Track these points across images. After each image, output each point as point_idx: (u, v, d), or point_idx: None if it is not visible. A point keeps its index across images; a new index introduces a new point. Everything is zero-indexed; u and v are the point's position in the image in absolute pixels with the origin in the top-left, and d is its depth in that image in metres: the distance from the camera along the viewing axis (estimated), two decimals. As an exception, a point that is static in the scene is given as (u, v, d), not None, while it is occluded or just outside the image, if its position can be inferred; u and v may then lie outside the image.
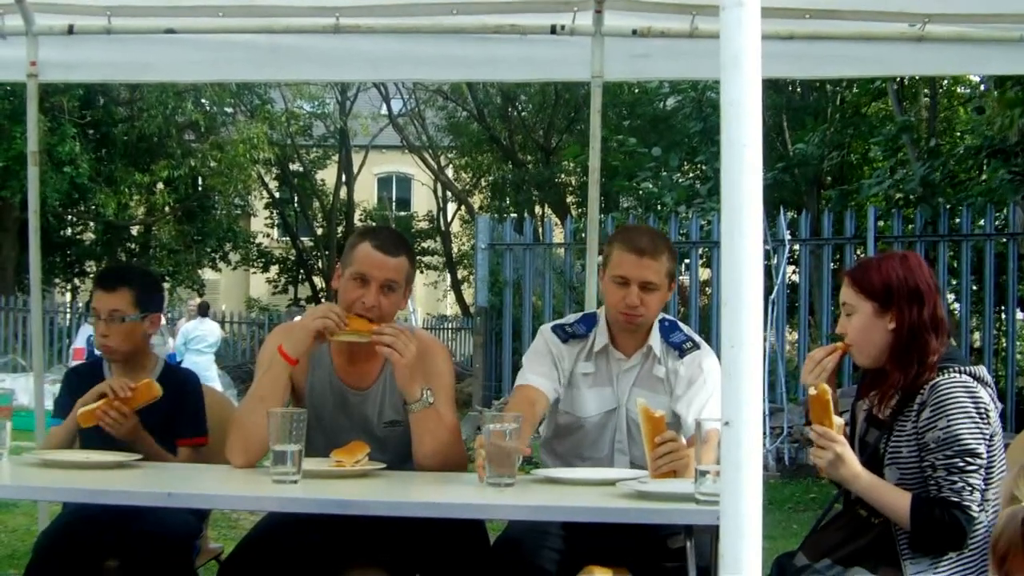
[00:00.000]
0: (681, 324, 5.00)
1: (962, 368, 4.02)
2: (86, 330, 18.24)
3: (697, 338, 4.93)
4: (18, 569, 4.96)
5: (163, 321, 5.43)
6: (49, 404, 5.42)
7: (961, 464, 3.88)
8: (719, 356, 2.50)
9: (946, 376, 3.99)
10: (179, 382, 5.22)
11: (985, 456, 3.91)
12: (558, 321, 5.08)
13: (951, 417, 3.91)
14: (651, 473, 4.24)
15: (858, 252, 15.74)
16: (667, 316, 5.01)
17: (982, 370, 4.07)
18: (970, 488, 3.88)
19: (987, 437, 3.93)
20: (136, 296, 5.12)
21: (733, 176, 2.45)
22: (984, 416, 3.93)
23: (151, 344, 5.35)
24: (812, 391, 4.00)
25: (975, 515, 3.89)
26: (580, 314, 5.12)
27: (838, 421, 4.04)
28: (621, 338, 4.87)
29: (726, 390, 2.45)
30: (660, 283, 4.72)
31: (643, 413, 4.30)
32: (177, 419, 5.08)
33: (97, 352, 5.25)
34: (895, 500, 3.96)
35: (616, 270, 4.73)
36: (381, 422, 4.73)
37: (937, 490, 3.92)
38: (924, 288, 4.09)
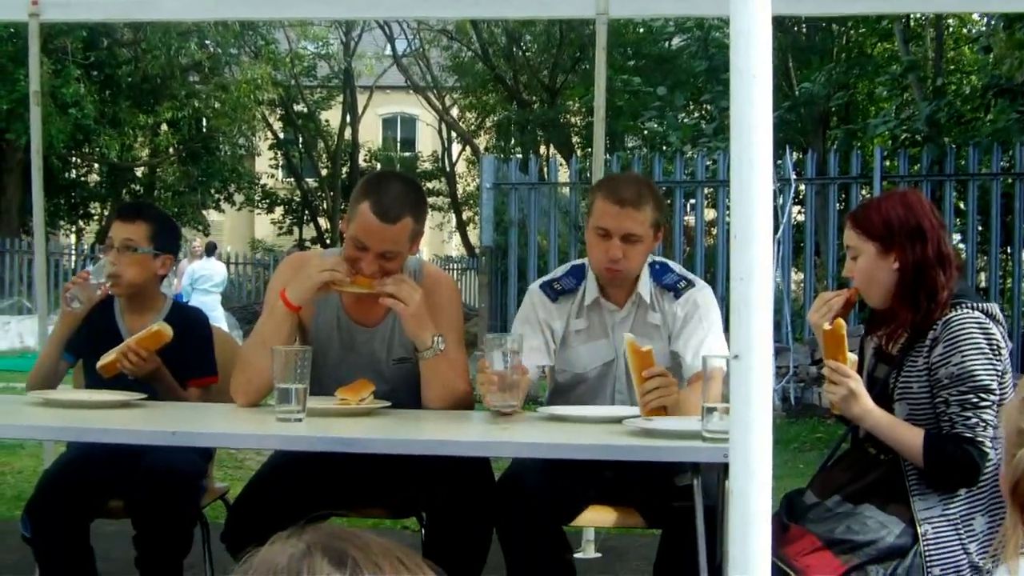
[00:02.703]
0: (671, 264, 4.86)
1: (975, 304, 3.99)
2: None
3: (690, 275, 4.82)
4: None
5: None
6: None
7: (975, 400, 3.87)
8: (728, 290, 2.47)
9: (959, 312, 3.96)
10: (188, 321, 5.17)
11: (998, 392, 3.90)
12: (546, 278, 4.95)
13: (965, 353, 3.89)
14: (641, 410, 4.20)
15: (864, 192, 15.68)
16: (657, 258, 4.86)
17: (994, 307, 4.05)
18: (983, 424, 3.87)
19: (999, 373, 3.92)
20: (152, 231, 5.08)
21: (743, 107, 2.41)
22: (997, 352, 3.92)
23: (161, 285, 5.33)
24: (827, 326, 3.98)
25: (988, 451, 3.88)
26: (568, 266, 4.96)
27: (852, 357, 4.02)
28: (611, 288, 4.76)
29: (736, 323, 2.42)
30: (644, 235, 4.57)
31: (630, 347, 4.24)
32: (187, 359, 5.02)
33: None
34: (908, 437, 3.95)
35: (598, 221, 4.59)
36: (390, 359, 4.68)
37: (950, 426, 3.90)
38: (927, 225, 4.05)
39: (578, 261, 4.95)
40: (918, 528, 3.88)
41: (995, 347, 3.92)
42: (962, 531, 3.89)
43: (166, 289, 5.40)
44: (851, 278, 4.20)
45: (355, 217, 4.45)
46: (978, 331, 3.92)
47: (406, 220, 4.44)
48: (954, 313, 3.96)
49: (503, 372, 4.16)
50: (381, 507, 4.82)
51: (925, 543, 3.85)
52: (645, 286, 4.73)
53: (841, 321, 3.98)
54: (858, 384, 3.96)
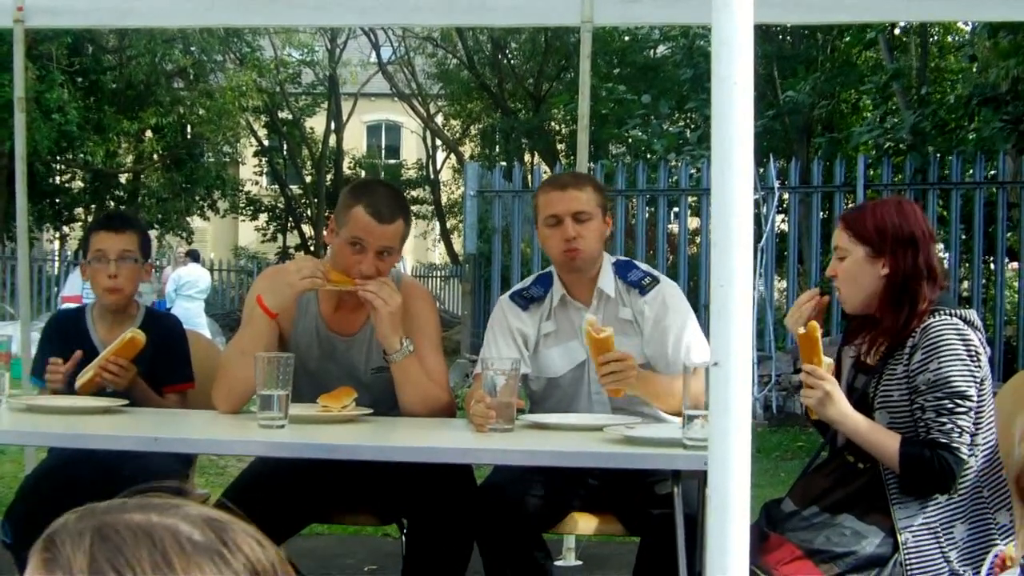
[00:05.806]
0: (636, 262, 4.90)
1: (952, 311, 4.01)
2: (76, 277, 18.16)
3: (655, 272, 4.83)
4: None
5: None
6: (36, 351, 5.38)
7: (951, 406, 3.87)
8: (709, 297, 2.48)
9: (938, 318, 3.97)
10: (163, 328, 5.17)
11: (975, 399, 3.90)
12: (516, 287, 4.99)
13: (942, 359, 3.90)
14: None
15: (847, 200, 15.70)
16: (621, 257, 4.93)
17: (972, 314, 4.06)
18: (959, 430, 3.87)
19: (978, 380, 3.92)
20: (140, 240, 5.11)
21: (724, 115, 2.42)
22: (975, 359, 3.93)
23: (139, 292, 5.33)
24: (801, 330, 3.98)
25: (964, 457, 3.89)
26: (536, 275, 5.01)
27: (827, 361, 4.02)
28: (575, 286, 4.79)
29: (716, 330, 2.43)
30: (592, 212, 4.63)
31: (588, 332, 4.25)
32: (163, 366, 5.04)
33: (86, 300, 5.20)
34: (884, 441, 3.95)
35: (546, 211, 4.66)
36: (368, 368, 4.70)
37: (926, 432, 3.91)
38: (919, 234, 4.07)
39: (544, 270, 4.97)
40: (898, 537, 3.88)
41: (973, 353, 3.93)
42: (942, 539, 3.90)
43: (150, 295, 5.40)
44: (834, 277, 4.21)
45: (348, 222, 4.49)
46: (956, 337, 3.93)
47: (399, 221, 4.54)
48: (932, 320, 3.97)
49: (502, 402, 4.14)
50: (362, 514, 4.82)
51: (905, 552, 3.86)
52: (608, 282, 4.75)
53: (815, 324, 3.98)
54: (834, 387, 3.96)
